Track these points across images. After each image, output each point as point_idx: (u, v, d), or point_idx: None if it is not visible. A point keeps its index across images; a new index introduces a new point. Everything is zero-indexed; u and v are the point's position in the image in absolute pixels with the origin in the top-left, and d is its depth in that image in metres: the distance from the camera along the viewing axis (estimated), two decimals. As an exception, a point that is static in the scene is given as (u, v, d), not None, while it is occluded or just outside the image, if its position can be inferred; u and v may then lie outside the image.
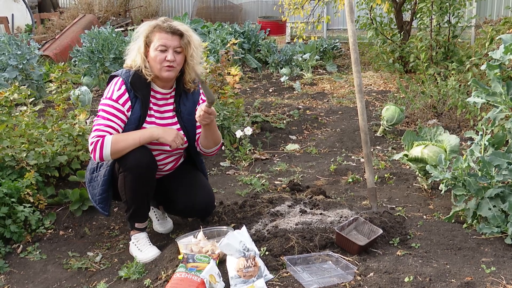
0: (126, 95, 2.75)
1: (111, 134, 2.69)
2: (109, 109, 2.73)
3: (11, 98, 3.76)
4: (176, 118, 2.90)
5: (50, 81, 5.28)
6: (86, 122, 4.07)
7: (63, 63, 6.01)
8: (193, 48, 2.78)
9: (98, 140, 2.66)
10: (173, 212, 3.19)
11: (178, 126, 2.89)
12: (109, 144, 2.65)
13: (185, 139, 2.88)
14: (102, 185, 2.83)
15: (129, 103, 2.76)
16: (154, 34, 2.73)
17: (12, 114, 3.80)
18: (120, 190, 2.80)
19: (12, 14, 11.98)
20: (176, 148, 2.79)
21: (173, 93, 2.90)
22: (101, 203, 2.87)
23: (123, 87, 2.76)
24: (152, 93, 2.84)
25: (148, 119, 2.82)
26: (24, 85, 5.83)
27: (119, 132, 2.73)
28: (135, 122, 2.77)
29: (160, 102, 2.87)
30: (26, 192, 3.19)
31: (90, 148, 2.68)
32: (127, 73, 2.80)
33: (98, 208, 2.89)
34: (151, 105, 2.83)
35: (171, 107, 2.90)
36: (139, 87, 2.77)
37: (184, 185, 2.97)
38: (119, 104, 2.74)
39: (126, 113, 2.75)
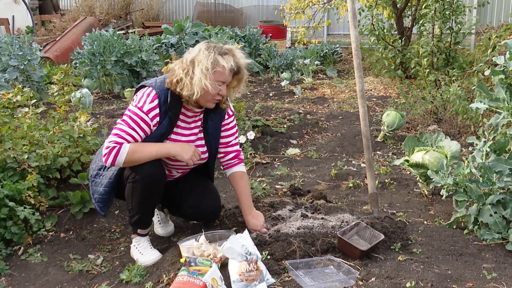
0: (157, 110, 2.67)
1: (129, 142, 2.64)
2: (136, 119, 2.65)
3: (14, 100, 3.75)
4: (202, 133, 2.88)
5: (51, 83, 5.28)
6: (87, 124, 4.07)
7: (64, 65, 6.01)
8: (241, 84, 2.81)
9: (115, 147, 2.60)
10: (178, 215, 3.20)
11: (203, 141, 2.87)
12: (125, 153, 2.60)
13: (205, 155, 2.88)
14: (106, 186, 2.80)
15: (157, 119, 2.69)
16: (219, 68, 2.63)
17: (14, 116, 3.80)
18: (127, 198, 2.77)
19: (13, 16, 12.00)
20: (193, 164, 2.78)
21: (203, 109, 2.86)
22: (100, 203, 2.84)
23: (156, 101, 2.67)
24: (183, 110, 2.78)
25: (173, 136, 2.78)
26: (25, 86, 5.84)
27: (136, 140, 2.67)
28: (157, 137, 2.73)
29: (190, 120, 2.83)
30: (27, 194, 3.18)
31: (105, 151, 2.61)
32: (162, 86, 2.71)
33: (96, 206, 2.86)
34: (179, 122, 2.79)
35: (199, 123, 2.87)
36: (173, 107, 2.71)
37: (192, 190, 2.97)
38: (148, 117, 2.66)
39: (151, 127, 2.69)
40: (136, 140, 2.66)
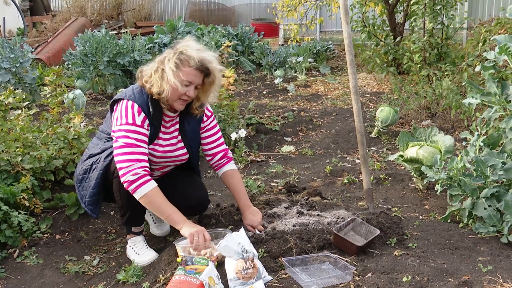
0: (147, 121, 2.70)
1: (147, 168, 2.63)
2: (137, 136, 2.65)
3: (6, 102, 3.73)
4: (180, 136, 2.91)
5: (43, 85, 5.26)
6: (80, 126, 4.06)
7: (56, 66, 5.99)
8: (214, 88, 2.79)
9: (138, 179, 2.58)
10: None
11: (182, 144, 2.90)
12: (144, 194, 2.60)
13: (185, 156, 2.93)
14: (94, 187, 2.80)
15: (148, 127, 2.73)
16: (185, 67, 2.65)
17: (7, 118, 3.78)
18: (116, 195, 2.79)
19: (4, 18, 11.91)
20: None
21: (178, 113, 2.89)
22: (90, 205, 2.84)
23: (143, 114, 2.69)
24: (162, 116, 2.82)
25: (156, 141, 2.81)
26: (17, 88, 5.81)
27: (147, 155, 2.69)
28: None
29: (168, 124, 2.87)
30: (21, 197, 3.17)
31: (131, 178, 2.57)
32: (142, 97, 2.72)
33: (87, 210, 2.86)
34: (161, 127, 2.83)
35: (177, 126, 2.90)
36: (156, 116, 2.74)
37: (179, 183, 2.98)
38: (145, 128, 2.69)
39: (148, 135, 2.72)
40: (145, 154, 2.66)
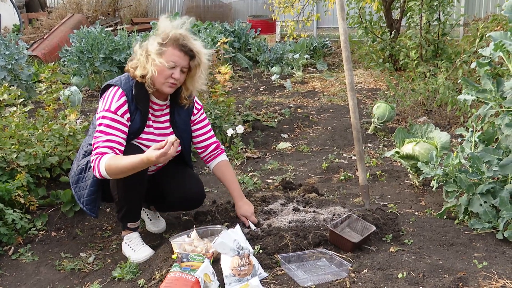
0: (126, 107, 2.68)
1: (112, 148, 2.61)
2: (109, 122, 2.64)
3: (1, 99, 3.72)
4: (172, 128, 2.90)
5: (39, 82, 5.24)
6: (76, 123, 4.04)
7: (52, 63, 5.96)
8: (200, 71, 2.77)
9: (94, 159, 2.61)
10: (165, 209, 3.20)
11: (174, 136, 2.88)
12: (103, 166, 2.58)
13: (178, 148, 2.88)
14: (91, 185, 2.78)
15: (128, 115, 2.69)
16: (168, 47, 2.64)
17: (2, 115, 3.76)
18: (112, 191, 2.77)
19: (0, 14, 11.85)
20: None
21: (168, 104, 2.89)
22: (89, 205, 2.82)
23: (123, 98, 2.68)
24: (150, 103, 2.81)
25: (146, 129, 2.81)
26: (13, 85, 5.78)
27: (122, 145, 2.66)
28: (134, 133, 2.75)
29: (157, 113, 2.86)
30: (17, 194, 3.16)
31: (94, 157, 2.61)
32: (128, 83, 2.73)
33: (86, 209, 2.83)
34: (149, 115, 2.81)
35: (167, 117, 2.89)
36: (141, 99, 2.72)
37: (175, 176, 2.97)
38: (118, 115, 2.66)
39: (126, 123, 2.69)
40: (119, 143, 2.65)
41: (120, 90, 2.70)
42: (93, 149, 2.66)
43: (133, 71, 2.73)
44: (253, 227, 2.86)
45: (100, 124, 2.67)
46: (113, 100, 2.68)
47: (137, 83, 2.73)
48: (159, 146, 2.45)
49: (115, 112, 2.66)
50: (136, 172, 2.66)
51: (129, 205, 2.82)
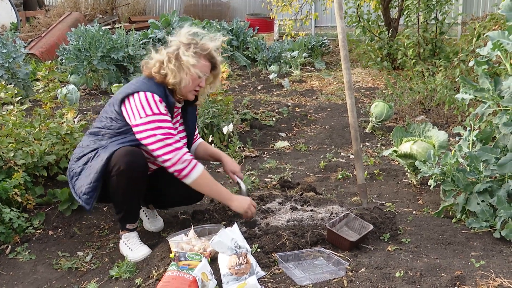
0: (166, 109, 2.73)
1: (185, 145, 2.77)
2: (169, 124, 2.67)
3: (-2, 97, 3.71)
4: (183, 126, 2.98)
5: (37, 80, 5.23)
6: (74, 121, 4.03)
7: (49, 61, 5.95)
8: (217, 80, 2.95)
9: (192, 159, 2.66)
10: (165, 206, 3.22)
11: (184, 134, 2.98)
12: (196, 177, 2.67)
13: (185, 140, 2.99)
14: (97, 172, 2.66)
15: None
16: (201, 58, 2.75)
17: (-1, 113, 3.75)
18: (113, 193, 2.74)
19: (-3, 12, 11.83)
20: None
21: (182, 105, 2.96)
22: (89, 193, 2.68)
23: (163, 103, 2.70)
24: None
25: None
26: (11, 83, 5.77)
27: (180, 140, 2.75)
28: None
29: (174, 115, 2.89)
30: (14, 192, 3.15)
31: (180, 165, 2.62)
32: (158, 88, 2.73)
33: (83, 200, 2.70)
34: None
35: (178, 117, 2.96)
36: (171, 106, 2.77)
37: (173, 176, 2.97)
38: (168, 116, 2.71)
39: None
40: (179, 140, 2.72)
41: (158, 97, 2.69)
42: (173, 149, 2.63)
43: (162, 77, 2.75)
44: (242, 186, 2.96)
45: (159, 128, 2.63)
46: (156, 104, 2.67)
47: (167, 89, 2.77)
48: (250, 205, 2.79)
49: (166, 114, 2.70)
50: (140, 177, 2.70)
51: (129, 207, 2.82)
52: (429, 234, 2.87)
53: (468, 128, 3.22)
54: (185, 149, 2.69)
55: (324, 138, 5.03)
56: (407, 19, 6.91)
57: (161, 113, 2.66)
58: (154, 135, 2.62)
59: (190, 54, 2.71)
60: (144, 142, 2.65)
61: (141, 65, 2.87)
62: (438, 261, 2.51)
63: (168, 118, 2.70)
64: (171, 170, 2.65)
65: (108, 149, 2.70)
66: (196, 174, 2.66)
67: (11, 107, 3.93)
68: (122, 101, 2.72)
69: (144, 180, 2.77)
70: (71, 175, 2.84)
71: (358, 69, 8.03)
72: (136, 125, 2.66)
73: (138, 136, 2.66)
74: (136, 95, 2.68)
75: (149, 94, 2.67)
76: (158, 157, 2.65)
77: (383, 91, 6.54)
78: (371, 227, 2.75)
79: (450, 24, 7.00)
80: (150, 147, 2.65)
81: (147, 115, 2.64)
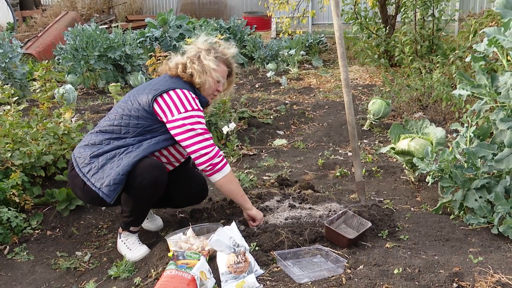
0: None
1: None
2: (202, 120, 2.74)
3: (-5, 98, 3.70)
4: None
5: (34, 80, 5.21)
6: (71, 121, 4.02)
7: (46, 61, 5.93)
8: (231, 87, 3.07)
9: (224, 158, 2.74)
10: (169, 206, 3.24)
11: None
12: (226, 173, 2.73)
13: None
14: (128, 165, 2.58)
15: None
16: (221, 63, 2.87)
17: (-4, 114, 3.74)
18: (127, 200, 2.72)
19: (-7, 12, 11.79)
20: None
21: None
22: (114, 185, 2.56)
23: (197, 100, 2.77)
24: None
25: None
26: (7, 84, 5.75)
27: None
28: None
29: None
30: (11, 193, 3.15)
31: (218, 159, 2.69)
32: (191, 87, 2.81)
33: (105, 191, 2.56)
34: None
35: None
36: (203, 106, 2.87)
37: (182, 172, 3.02)
38: (203, 112, 2.81)
39: None
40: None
41: (193, 93, 2.76)
42: (211, 144, 2.69)
43: (189, 76, 2.81)
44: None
45: (199, 123, 2.69)
46: (194, 100, 2.73)
47: (196, 89, 2.85)
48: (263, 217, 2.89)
49: (202, 111, 2.78)
50: (159, 192, 2.71)
51: (140, 215, 2.85)
52: (427, 231, 2.87)
53: (465, 125, 3.22)
54: (217, 146, 2.78)
55: (322, 135, 5.03)
56: (404, 16, 6.91)
57: (199, 109, 2.73)
58: (194, 129, 2.66)
59: (211, 59, 2.81)
60: (180, 137, 2.66)
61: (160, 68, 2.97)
62: (436, 257, 2.51)
63: (203, 115, 2.77)
64: (205, 165, 2.68)
65: (142, 149, 2.65)
66: (228, 170, 2.75)
67: (8, 107, 3.92)
68: (153, 99, 2.69)
69: (162, 193, 2.76)
70: (88, 170, 2.66)
71: (355, 67, 8.03)
72: (174, 121, 2.65)
73: (174, 131, 2.66)
74: (172, 92, 2.70)
75: (185, 91, 2.73)
76: (195, 152, 2.66)
77: (381, 88, 6.54)
78: (369, 224, 2.75)
79: (447, 20, 7.00)
80: (187, 142, 2.65)
81: (186, 110, 2.67)
